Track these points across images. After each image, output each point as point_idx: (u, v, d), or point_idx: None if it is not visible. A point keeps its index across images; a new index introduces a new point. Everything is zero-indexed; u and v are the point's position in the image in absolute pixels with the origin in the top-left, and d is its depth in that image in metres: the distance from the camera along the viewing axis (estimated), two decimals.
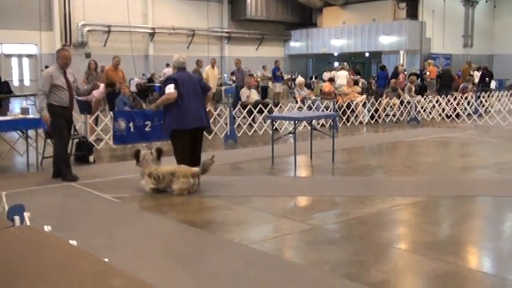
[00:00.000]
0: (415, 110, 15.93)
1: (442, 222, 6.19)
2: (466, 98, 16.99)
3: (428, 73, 20.63)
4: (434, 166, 9.45)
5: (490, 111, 16.69)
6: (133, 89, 19.77)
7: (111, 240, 5.26)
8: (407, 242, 5.36)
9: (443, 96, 17.04)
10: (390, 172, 8.90)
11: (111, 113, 10.97)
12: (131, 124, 10.86)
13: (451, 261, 4.62)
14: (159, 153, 7.22)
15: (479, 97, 17.56)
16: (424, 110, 16.59)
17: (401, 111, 16.23)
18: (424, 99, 16.85)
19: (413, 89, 17.52)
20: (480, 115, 16.14)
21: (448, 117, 16.44)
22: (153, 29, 29.88)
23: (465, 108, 16.67)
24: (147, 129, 11.06)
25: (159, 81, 21.26)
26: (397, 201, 6.72)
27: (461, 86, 18.56)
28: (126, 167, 9.11)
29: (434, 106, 16.73)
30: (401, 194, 7.14)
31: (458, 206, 6.68)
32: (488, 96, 18.36)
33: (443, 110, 16.64)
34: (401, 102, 16.30)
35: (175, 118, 7.25)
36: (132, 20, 28.16)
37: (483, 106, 17.37)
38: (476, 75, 21.67)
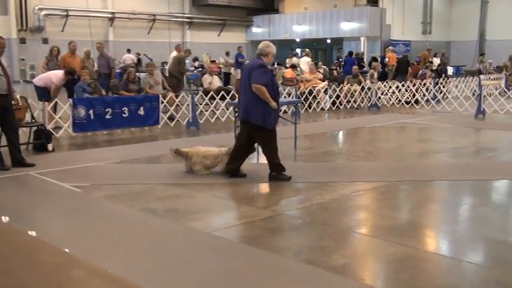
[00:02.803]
0: (376, 96, 16.16)
1: (401, 206, 6.33)
2: (424, 85, 17.32)
3: (387, 59, 20.93)
4: (394, 151, 9.63)
5: (447, 97, 17.07)
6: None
7: (71, 231, 5.18)
8: (368, 227, 5.47)
9: (402, 82, 17.33)
10: (351, 158, 9.03)
11: (70, 100, 10.74)
12: (91, 111, 10.67)
13: (410, 245, 4.74)
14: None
15: (437, 83, 17.93)
16: (384, 96, 16.84)
17: (362, 98, 16.44)
18: (384, 85, 17.11)
19: (375, 75, 17.74)
20: (438, 101, 16.50)
21: (408, 103, 16.74)
22: (113, 13, 29.30)
23: (424, 95, 17.00)
24: (107, 116, 10.90)
25: (118, 68, 20.87)
26: (358, 187, 6.83)
27: (420, 72, 18.90)
28: (86, 155, 8.97)
29: (394, 92, 17.00)
30: (362, 179, 7.25)
31: (416, 190, 6.84)
32: (446, 82, 18.76)
33: (402, 96, 16.93)
34: (362, 89, 16.51)
35: None
36: (91, 4, 27.56)
37: (441, 92, 17.75)
38: (435, 61, 22.09)
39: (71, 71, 11.36)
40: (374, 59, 21.15)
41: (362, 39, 29.95)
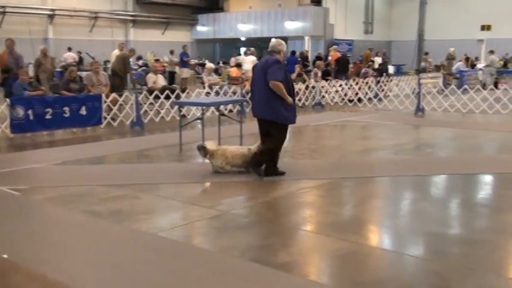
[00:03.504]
0: (320, 94, 16.40)
1: (345, 203, 6.45)
2: (367, 83, 17.72)
3: (331, 58, 21.30)
4: (338, 149, 9.80)
5: (388, 95, 17.53)
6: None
7: (10, 235, 4.99)
8: (313, 224, 5.54)
9: (345, 81, 17.66)
10: (296, 156, 9.12)
11: (8, 99, 10.35)
12: (30, 111, 10.32)
13: (353, 240, 4.83)
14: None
15: (379, 82, 18.38)
16: (328, 95, 17.12)
17: (307, 96, 16.64)
18: (328, 84, 17.38)
19: (319, 74, 18.01)
20: (380, 99, 16.91)
21: (351, 101, 17.07)
22: (53, 10, 28.44)
23: (366, 93, 17.39)
24: (47, 116, 10.57)
25: (59, 66, 20.29)
26: (303, 184, 6.91)
27: (362, 71, 19.31)
28: (25, 157, 8.68)
29: (337, 91, 17.30)
30: (307, 177, 7.34)
31: (360, 186, 6.99)
32: (387, 81, 19.26)
33: (345, 94, 17.26)
34: (307, 87, 16.71)
35: None
36: (29, 0, 26.66)
37: (383, 90, 18.21)
38: (377, 60, 22.64)
39: (7, 69, 10.95)
40: (318, 58, 21.45)
41: (306, 38, 30.34)
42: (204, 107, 9.84)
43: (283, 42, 7.29)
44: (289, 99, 6.91)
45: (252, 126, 12.17)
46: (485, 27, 29.71)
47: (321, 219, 5.65)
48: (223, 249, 4.66)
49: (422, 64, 25.90)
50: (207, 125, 9.85)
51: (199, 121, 9.79)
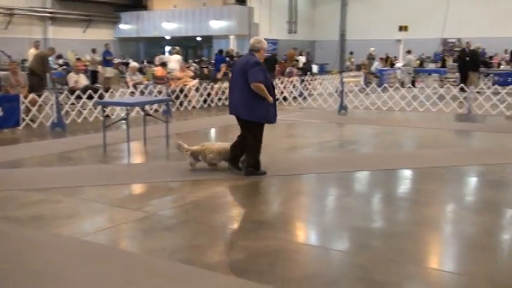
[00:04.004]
0: None
1: (272, 200, 6.53)
2: (291, 82, 18.00)
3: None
4: (264, 147, 9.83)
5: (313, 94, 17.90)
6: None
7: None
8: (241, 222, 5.56)
9: (271, 80, 17.83)
10: None
11: None
12: None
13: (281, 237, 4.90)
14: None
15: (303, 81, 18.73)
16: None
17: None
18: None
19: None
20: (305, 98, 17.24)
21: (276, 100, 17.26)
22: None
23: (291, 92, 17.67)
24: None
25: None
26: (231, 183, 6.92)
27: (287, 70, 19.61)
28: None
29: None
30: (235, 176, 7.34)
31: (286, 184, 7.09)
32: (311, 80, 19.66)
33: None
34: None
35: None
36: None
37: (307, 89, 18.57)
38: (301, 60, 23.05)
39: None
40: None
41: (231, 37, 30.42)
42: (128, 107, 9.64)
43: (262, 39, 7.32)
44: (270, 98, 7.03)
45: (178, 125, 12.08)
46: (403, 28, 30.96)
47: (249, 218, 5.68)
48: (151, 251, 4.59)
49: (348, 63, 26.66)
50: (132, 125, 9.67)
51: (123, 121, 9.58)
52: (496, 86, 16.65)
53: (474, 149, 10.05)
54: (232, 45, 29.65)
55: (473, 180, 7.49)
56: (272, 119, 7.20)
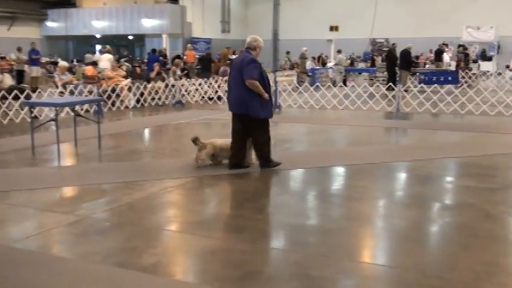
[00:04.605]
0: (180, 93, 16.36)
1: (209, 200, 6.51)
2: (226, 81, 17.98)
3: (186, 57, 21.41)
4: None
5: None
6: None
7: None
8: (178, 223, 5.52)
9: (205, 79, 17.80)
10: (158, 155, 9.02)
11: None
12: None
13: (218, 237, 4.90)
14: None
15: None
16: (188, 93, 17.13)
17: (167, 95, 16.51)
18: (188, 82, 17.40)
19: (177, 72, 17.94)
20: None
21: (211, 99, 17.24)
22: None
23: (226, 91, 17.65)
24: None
25: None
26: (166, 184, 6.85)
27: (221, 69, 19.59)
28: None
29: (197, 89, 17.39)
30: (170, 176, 7.28)
31: (222, 184, 7.10)
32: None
33: (205, 92, 17.39)
34: (166, 86, 16.58)
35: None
36: None
37: None
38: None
39: None
40: (177, 57, 21.38)
41: (164, 36, 30.06)
42: (57, 108, 9.33)
43: (258, 37, 7.58)
44: (266, 95, 7.22)
45: (110, 126, 11.82)
46: (334, 28, 31.71)
47: (185, 218, 5.64)
48: (84, 255, 4.46)
49: (283, 63, 26.92)
50: (61, 126, 9.38)
51: (53, 122, 9.26)
52: (422, 85, 17.37)
53: (403, 146, 10.43)
54: (165, 44, 29.33)
55: (402, 176, 7.77)
56: (268, 114, 7.42)
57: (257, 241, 5.01)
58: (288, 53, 29.00)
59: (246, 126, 7.39)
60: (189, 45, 23.70)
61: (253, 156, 7.71)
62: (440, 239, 5.09)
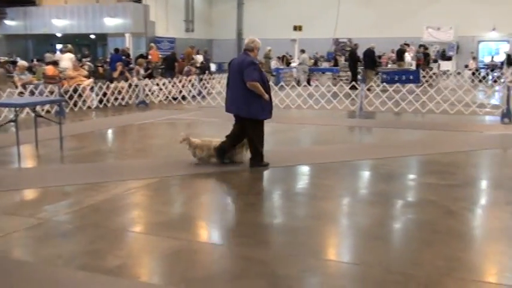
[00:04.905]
0: (143, 93, 16.19)
1: (173, 201, 6.46)
2: (190, 81, 17.91)
3: (150, 57, 21.23)
4: (164, 147, 9.77)
5: (211, 93, 17.93)
6: None
7: None
8: (142, 224, 5.46)
9: (169, 79, 17.68)
10: (122, 156, 8.91)
11: None
12: None
13: (183, 238, 4.87)
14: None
15: (201, 80, 18.70)
16: (152, 93, 16.98)
17: (130, 95, 16.32)
18: (152, 82, 17.23)
19: (141, 72, 17.75)
20: (203, 97, 17.23)
21: (175, 99, 17.13)
22: None
23: (190, 91, 17.59)
24: None
25: None
26: (130, 185, 6.77)
27: (185, 69, 19.49)
28: None
29: (161, 89, 17.25)
30: (134, 177, 7.20)
31: (187, 184, 7.06)
32: (210, 78, 19.70)
33: (169, 92, 17.27)
34: (130, 86, 16.39)
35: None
36: None
37: (205, 88, 18.57)
38: (199, 58, 23.00)
39: None
40: (141, 56, 21.17)
41: (127, 35, 29.70)
42: (17, 108, 9.11)
43: (256, 39, 7.64)
44: (266, 96, 7.37)
45: (72, 127, 11.61)
46: (297, 28, 31.87)
47: (150, 219, 5.59)
48: (46, 259, 4.37)
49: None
50: (21, 127, 9.17)
51: (12, 123, 9.04)
52: (385, 84, 17.65)
53: (366, 144, 10.57)
54: (128, 43, 28.97)
55: (366, 174, 7.87)
56: (268, 115, 7.57)
57: (223, 241, 5.01)
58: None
59: (243, 126, 7.54)
60: (152, 44, 23.49)
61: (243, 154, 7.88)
62: (403, 236, 5.18)
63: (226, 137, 7.71)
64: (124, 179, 7.06)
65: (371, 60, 21.23)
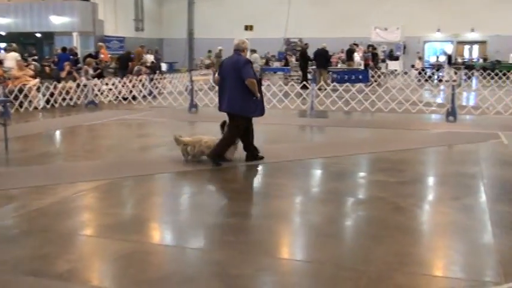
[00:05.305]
0: (93, 93, 15.87)
1: (125, 203, 6.35)
2: (140, 81, 17.68)
3: (102, 56, 20.82)
4: (115, 148, 9.61)
5: (163, 92, 17.75)
6: None
7: None
8: (93, 227, 5.35)
9: (119, 79, 17.39)
10: (71, 158, 8.70)
11: None
12: None
13: (135, 240, 4.80)
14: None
15: (152, 79, 18.49)
16: (102, 93, 16.66)
17: (79, 95, 15.96)
18: (101, 82, 16.91)
19: (90, 71, 17.39)
20: (154, 97, 17.03)
21: (125, 99, 16.86)
22: None
23: (140, 91, 17.36)
24: None
25: None
26: (80, 187, 6.62)
27: (135, 69, 19.22)
28: None
29: (111, 89, 16.94)
30: (84, 179, 7.05)
31: (139, 185, 6.96)
32: (161, 78, 19.50)
33: (119, 92, 16.99)
34: (78, 86, 16.03)
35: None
36: None
37: (156, 88, 18.37)
38: (149, 58, 22.71)
39: None
40: (89, 55, 20.74)
41: (74, 34, 29.01)
42: None
43: (245, 40, 7.92)
44: (258, 94, 7.60)
45: (18, 128, 11.25)
46: (248, 28, 31.96)
47: (100, 222, 5.48)
48: None
49: (207, 61, 26.72)
50: None
51: None
52: (335, 83, 17.91)
53: (318, 143, 10.71)
54: (76, 42, 28.30)
55: (318, 172, 7.97)
56: (261, 113, 7.85)
57: (175, 242, 4.97)
58: (209, 51, 28.94)
59: (235, 123, 7.75)
60: (101, 43, 23.03)
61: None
62: (354, 233, 5.27)
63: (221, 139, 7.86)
64: (73, 181, 6.90)
65: (325, 59, 21.58)
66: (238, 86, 7.52)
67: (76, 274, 4.11)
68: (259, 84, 7.85)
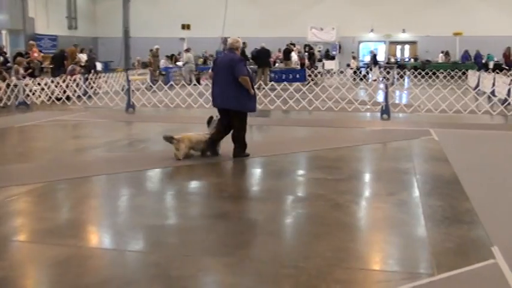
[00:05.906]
0: (24, 93, 15.28)
1: (60, 206, 6.16)
2: (75, 80, 17.20)
3: (36, 54, 20.13)
4: (48, 150, 9.31)
5: (98, 92, 17.34)
6: None
7: None
8: (26, 232, 5.16)
9: (51, 78, 16.84)
10: (1, 161, 8.34)
11: None
12: None
13: (71, 244, 4.66)
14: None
15: (87, 79, 18.02)
16: (33, 93, 16.07)
17: (9, 96, 15.34)
18: (33, 81, 16.31)
19: (21, 71, 16.74)
20: (89, 97, 16.61)
21: (58, 99, 16.35)
22: None
23: (75, 91, 16.88)
24: None
25: None
26: (12, 192, 6.37)
27: (69, 68, 18.67)
28: None
29: (43, 89, 16.38)
30: (16, 183, 6.78)
31: (75, 188, 6.76)
32: (96, 78, 19.04)
33: (52, 92, 16.45)
34: (8, 86, 15.40)
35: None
36: None
37: (92, 88, 17.92)
38: (83, 57, 22.12)
39: None
40: (19, 54, 19.97)
41: (3, 32, 27.86)
42: None
43: (239, 39, 8.31)
44: (252, 91, 7.95)
45: None
46: (186, 27, 31.68)
47: (35, 227, 5.29)
48: None
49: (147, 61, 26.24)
50: None
51: None
52: (273, 83, 18.08)
53: (256, 142, 10.73)
54: (5, 40, 27.19)
55: (257, 171, 8.02)
56: (254, 108, 8.18)
57: (114, 245, 4.86)
58: (151, 50, 28.53)
59: (230, 119, 8.05)
60: (32, 42, 22.22)
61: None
62: (294, 230, 5.34)
63: (215, 132, 8.22)
64: (4, 185, 6.62)
65: (269, 58, 22.17)
66: (232, 82, 7.86)
67: (9, 282, 3.95)
68: (251, 80, 8.08)
